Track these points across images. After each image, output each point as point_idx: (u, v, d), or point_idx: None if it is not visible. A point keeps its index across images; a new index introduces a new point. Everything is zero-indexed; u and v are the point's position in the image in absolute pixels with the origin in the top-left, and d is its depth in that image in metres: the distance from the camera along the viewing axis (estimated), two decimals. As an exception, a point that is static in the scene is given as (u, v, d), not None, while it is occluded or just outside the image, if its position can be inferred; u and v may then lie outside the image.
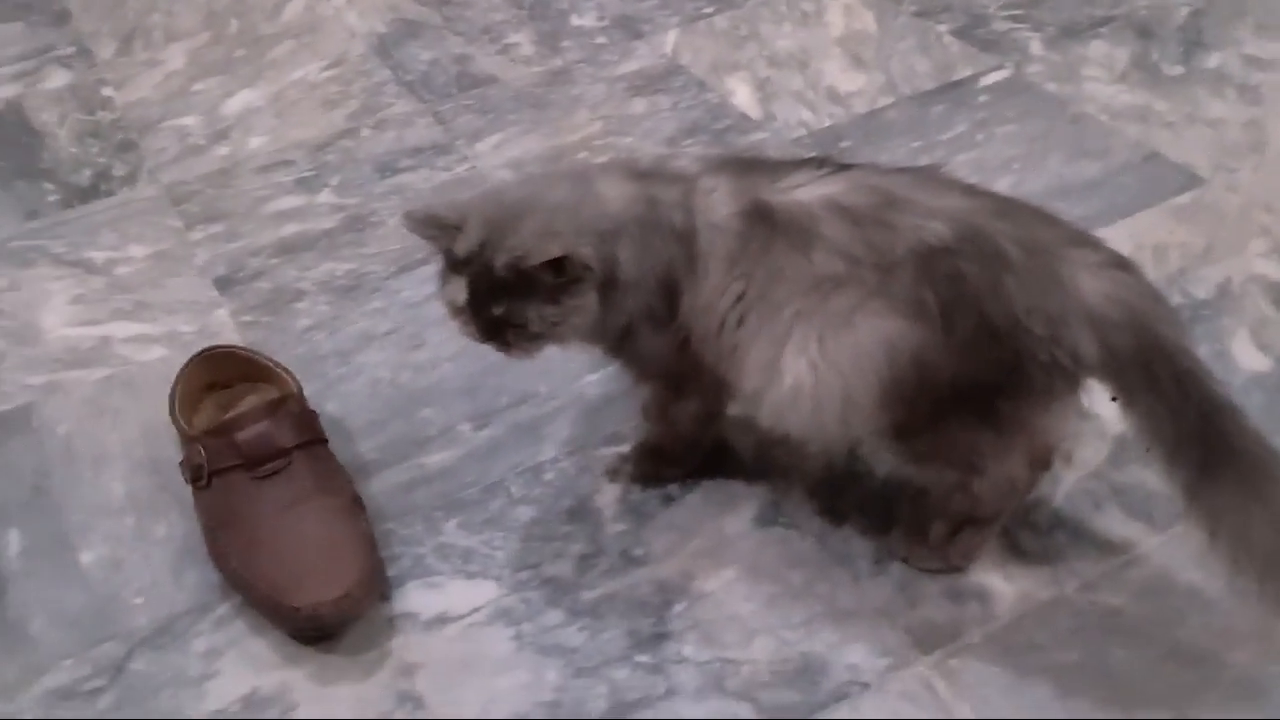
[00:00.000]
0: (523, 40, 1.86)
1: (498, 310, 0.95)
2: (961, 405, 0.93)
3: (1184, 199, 1.45)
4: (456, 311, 0.98)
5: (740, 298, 0.95)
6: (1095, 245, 0.93)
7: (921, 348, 0.89)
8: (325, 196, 1.53)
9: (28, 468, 1.20)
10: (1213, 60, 1.69)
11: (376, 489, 1.15)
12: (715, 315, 0.97)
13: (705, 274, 0.96)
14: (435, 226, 0.97)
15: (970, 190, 0.97)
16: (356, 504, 1.08)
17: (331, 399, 1.24)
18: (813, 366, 0.92)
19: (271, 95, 1.74)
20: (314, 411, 1.13)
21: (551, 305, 0.94)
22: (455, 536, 1.11)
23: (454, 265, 0.96)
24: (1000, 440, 0.97)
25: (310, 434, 1.09)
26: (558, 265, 0.92)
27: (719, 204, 0.96)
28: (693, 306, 0.97)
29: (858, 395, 0.92)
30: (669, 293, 0.97)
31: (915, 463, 1.01)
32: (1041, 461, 1.06)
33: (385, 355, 1.30)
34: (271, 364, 1.17)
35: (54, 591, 1.08)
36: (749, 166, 1.00)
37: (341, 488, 1.08)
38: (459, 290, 0.96)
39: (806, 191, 0.94)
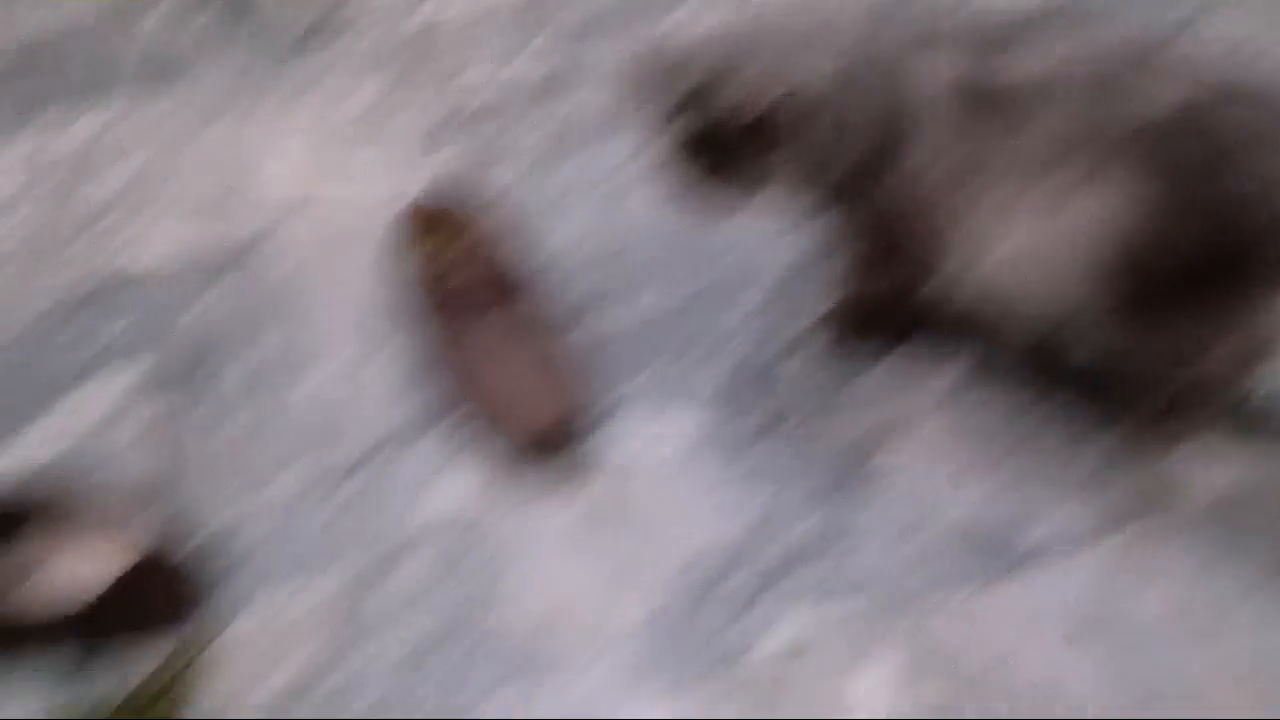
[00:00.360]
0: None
1: (716, 150, 0.97)
2: (1188, 287, 0.90)
3: None
4: (688, 145, 0.99)
5: (964, 163, 0.94)
6: None
7: (1150, 222, 0.87)
8: (524, 60, 1.54)
9: (258, 295, 1.27)
10: None
11: (580, 334, 1.18)
12: (938, 179, 0.95)
13: (922, 137, 0.95)
14: (670, 69, 0.98)
15: (1198, 65, 0.91)
16: (562, 344, 1.13)
17: (539, 248, 1.26)
18: (1033, 234, 0.91)
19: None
20: (510, 267, 1.16)
21: (777, 149, 0.96)
22: (657, 379, 1.15)
23: (682, 101, 0.97)
24: (1223, 325, 0.94)
25: (514, 281, 1.14)
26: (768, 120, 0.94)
27: (932, 81, 0.94)
28: (915, 165, 0.96)
29: (1081, 265, 0.91)
30: (885, 148, 0.97)
31: (1131, 343, 0.99)
32: (1257, 357, 1.01)
33: (593, 207, 1.32)
34: (476, 214, 1.20)
35: (287, 407, 1.16)
36: (972, 33, 0.97)
37: (547, 331, 1.13)
38: (685, 126, 0.97)
39: (1037, 57, 0.91)
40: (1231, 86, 0.88)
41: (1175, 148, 0.86)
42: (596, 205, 1.33)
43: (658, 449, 1.10)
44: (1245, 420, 1.05)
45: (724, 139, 0.96)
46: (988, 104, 0.91)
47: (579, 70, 1.51)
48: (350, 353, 1.20)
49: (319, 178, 1.40)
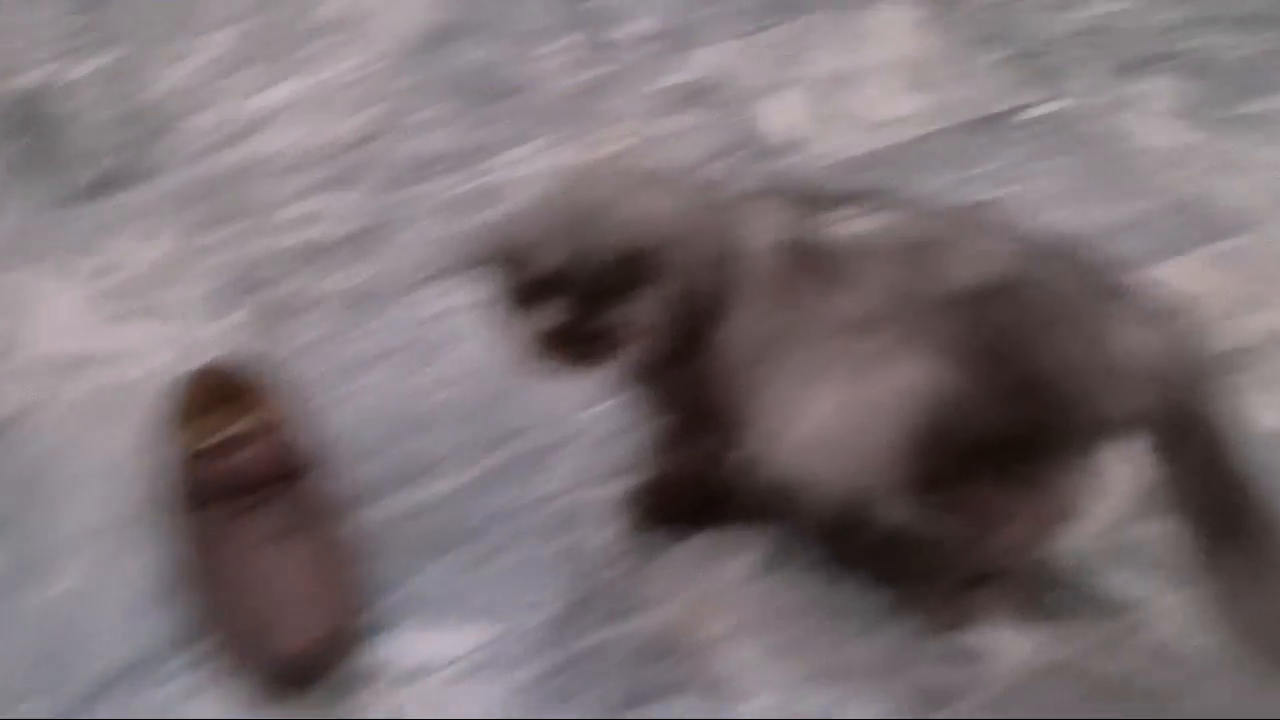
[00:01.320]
0: (566, 46, 1.81)
1: (588, 318, 0.89)
2: (991, 459, 0.89)
3: (1231, 244, 1.39)
4: (547, 338, 0.91)
5: (773, 333, 0.90)
6: (1142, 296, 0.89)
7: (958, 396, 0.85)
8: (345, 202, 1.50)
9: (6, 481, 1.17)
10: (1273, 104, 1.62)
11: (367, 521, 1.12)
12: (745, 350, 0.92)
13: (741, 305, 0.91)
14: (507, 257, 0.91)
15: (1015, 233, 0.92)
16: (342, 541, 1.05)
17: (329, 420, 1.20)
18: (839, 409, 0.88)
19: (301, 93, 1.71)
20: (304, 439, 1.10)
21: (635, 299, 0.89)
22: (444, 576, 1.08)
23: (527, 282, 0.90)
24: (1025, 497, 0.93)
25: (298, 464, 1.06)
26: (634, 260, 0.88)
27: (761, 233, 0.91)
28: (724, 339, 0.92)
29: (884, 442, 0.88)
30: (705, 320, 0.93)
31: (934, 515, 0.97)
32: (1060, 519, 1.00)
33: (391, 375, 1.27)
34: (262, 386, 1.13)
35: (20, 623, 1.06)
36: (793, 196, 0.95)
37: (327, 523, 1.05)
38: (555, 312, 0.89)
39: (850, 227, 0.90)
40: (1035, 263, 0.87)
41: (979, 322, 0.85)
42: (398, 370, 1.28)
43: (438, 665, 1.03)
44: (1044, 590, 1.03)
45: (608, 297, 0.90)
46: (808, 262, 0.89)
47: (391, 223, 1.47)
48: (95, 556, 1.10)
49: (96, 338, 1.32)
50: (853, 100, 1.67)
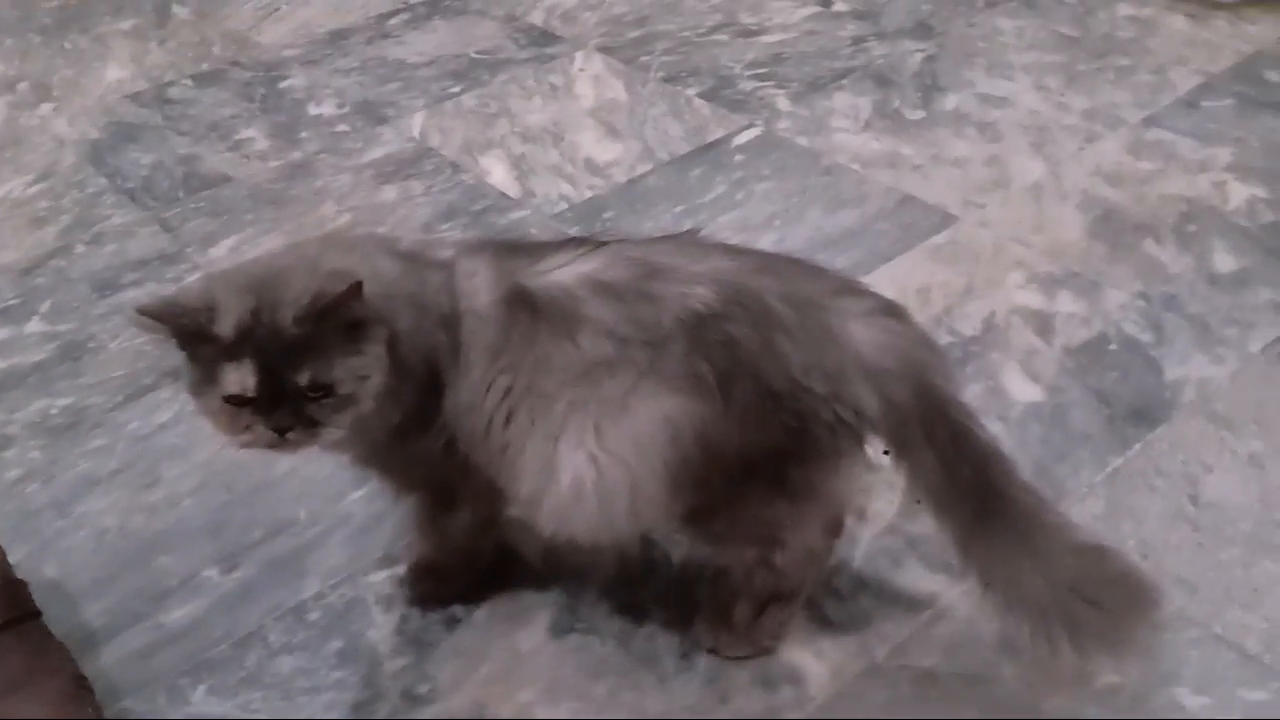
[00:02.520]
0: (256, 134, 1.74)
1: (301, 378, 0.79)
2: (753, 477, 0.87)
3: (940, 239, 1.46)
4: (233, 410, 0.80)
5: (507, 392, 0.86)
6: (862, 293, 0.90)
7: (704, 423, 0.83)
8: (35, 325, 1.36)
9: None
10: (950, 102, 1.74)
11: (107, 660, 0.99)
12: (482, 413, 0.87)
13: (468, 367, 0.86)
14: (181, 315, 0.80)
15: (731, 250, 0.92)
16: (80, 685, 0.92)
17: (48, 559, 1.08)
18: (592, 460, 0.84)
19: (-32, 218, 1.56)
20: (21, 581, 0.97)
21: (355, 354, 0.82)
22: (206, 705, 0.96)
23: (225, 350, 0.79)
24: (796, 508, 0.92)
25: (17, 610, 0.93)
26: (348, 308, 0.80)
27: (480, 290, 0.87)
28: (456, 404, 0.87)
29: (645, 484, 0.84)
30: (433, 385, 0.87)
31: (713, 543, 0.95)
32: (836, 525, 1.01)
33: (112, 500, 1.15)
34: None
35: None
36: (507, 250, 0.92)
37: (60, 668, 0.92)
38: (244, 374, 0.79)
39: (566, 272, 0.86)
40: (749, 279, 0.86)
41: (706, 347, 0.83)
42: (121, 493, 1.15)
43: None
44: (841, 599, 1.03)
45: (302, 356, 0.80)
46: (532, 312, 0.85)
47: (91, 340, 1.34)
48: None
49: None
50: (566, 149, 1.67)
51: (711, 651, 0.99)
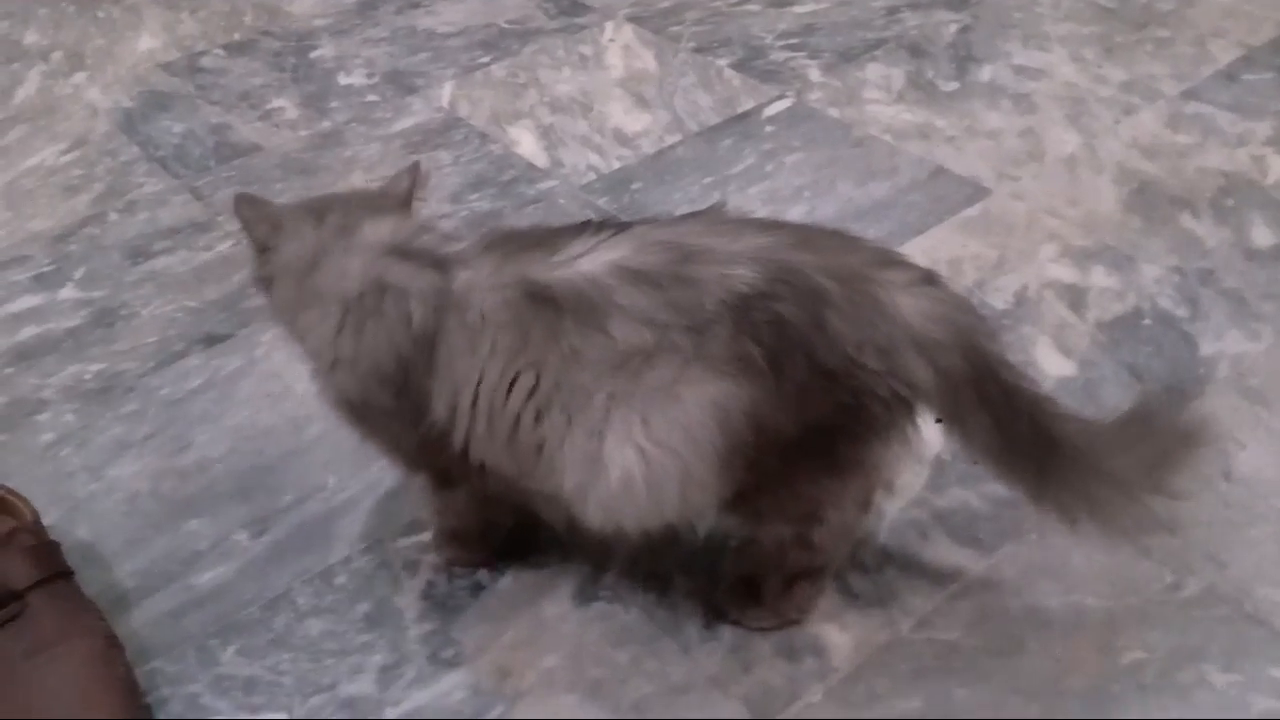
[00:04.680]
0: (286, 104, 1.74)
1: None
2: (804, 456, 0.86)
3: (973, 211, 1.44)
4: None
5: (533, 391, 0.85)
6: (902, 263, 0.88)
7: (755, 405, 0.81)
8: (68, 292, 1.37)
9: None
10: (985, 73, 1.71)
11: (139, 621, 1.01)
12: (504, 415, 0.86)
13: (471, 370, 0.85)
14: (258, 223, 0.92)
15: (764, 225, 0.89)
16: (111, 645, 0.93)
17: (81, 522, 1.09)
18: (641, 452, 0.83)
19: (4, 186, 1.57)
20: (54, 542, 0.99)
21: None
22: (235, 665, 0.98)
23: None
24: (842, 485, 0.91)
25: (50, 569, 0.95)
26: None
27: (485, 294, 0.85)
28: (454, 405, 0.86)
29: (696, 471, 0.83)
30: (403, 387, 0.87)
31: (753, 521, 0.94)
32: (869, 499, 1.00)
33: (144, 464, 1.16)
34: (1, 491, 1.02)
35: None
36: (518, 243, 0.89)
37: (91, 628, 0.93)
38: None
39: (589, 261, 0.84)
40: (790, 254, 0.84)
41: (751, 328, 0.81)
42: (153, 456, 1.16)
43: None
44: (866, 571, 1.03)
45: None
46: (553, 307, 0.83)
47: (123, 307, 1.35)
48: None
49: None
50: (595, 120, 1.67)
51: (736, 622, 0.99)
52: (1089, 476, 0.87)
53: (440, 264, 0.88)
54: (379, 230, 0.90)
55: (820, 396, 0.82)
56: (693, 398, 0.81)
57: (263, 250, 0.92)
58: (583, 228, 0.88)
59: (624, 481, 0.83)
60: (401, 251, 0.89)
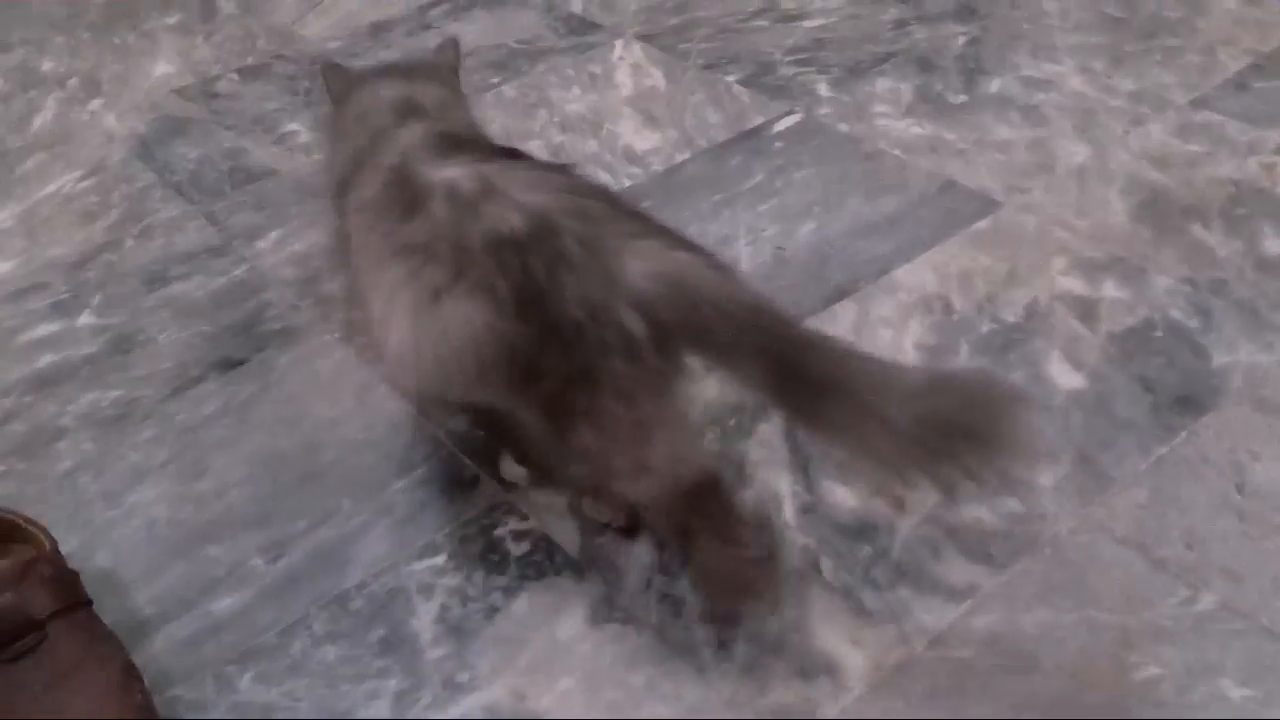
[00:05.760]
0: (300, 128, 1.76)
1: None
2: (566, 402, 0.92)
3: (983, 225, 1.44)
4: None
5: (369, 239, 1.00)
6: (667, 235, 0.93)
7: (501, 335, 0.91)
8: (86, 318, 1.39)
9: None
10: (994, 86, 1.72)
11: (157, 648, 1.02)
12: (353, 242, 1.03)
13: (358, 209, 1.02)
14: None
15: (570, 188, 0.95)
16: (130, 674, 0.94)
17: (100, 549, 1.10)
18: (414, 329, 0.94)
19: (22, 213, 1.59)
20: (74, 571, 0.99)
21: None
22: (253, 692, 0.98)
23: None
24: (605, 439, 0.94)
25: (69, 599, 0.96)
26: None
27: (392, 149, 1.02)
28: (348, 231, 1.04)
29: (452, 370, 0.94)
30: (344, 181, 1.07)
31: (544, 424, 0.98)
32: (651, 463, 0.97)
33: (161, 490, 1.17)
34: (19, 520, 1.03)
35: None
36: (456, 140, 1.04)
37: (110, 657, 0.94)
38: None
39: (451, 169, 0.96)
40: (568, 210, 0.91)
41: (509, 267, 0.90)
42: (170, 483, 1.18)
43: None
44: (880, 588, 1.03)
45: None
46: (404, 189, 0.97)
47: (140, 332, 1.37)
48: None
49: None
50: (605, 138, 1.67)
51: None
52: (866, 419, 0.86)
53: (408, 123, 1.06)
54: (404, 91, 1.12)
55: (555, 343, 0.90)
56: (450, 307, 0.92)
57: (338, 102, 1.16)
58: (501, 150, 1.04)
59: (398, 352, 0.96)
60: (407, 110, 1.09)
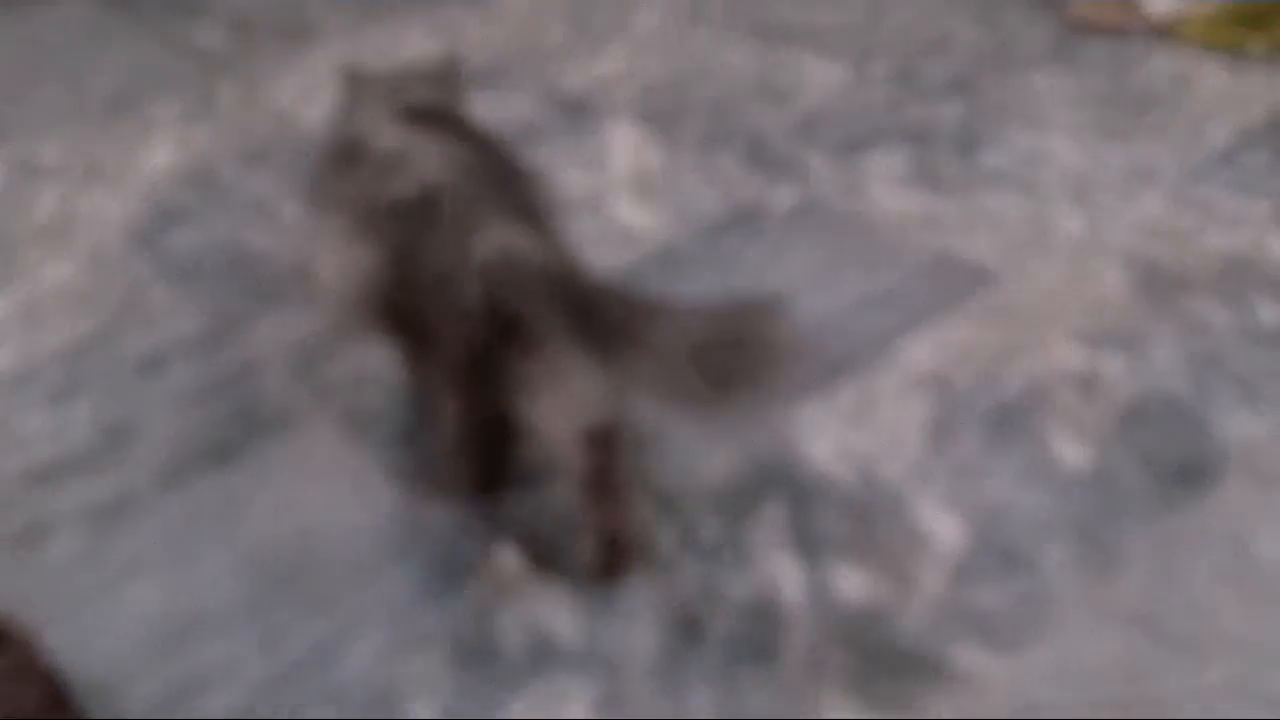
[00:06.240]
0: (297, 211, 1.77)
1: None
2: (416, 335, 1.10)
3: (981, 299, 1.44)
4: None
5: (331, 192, 1.16)
6: (522, 215, 1.07)
7: (383, 280, 1.09)
8: (82, 408, 1.38)
9: None
10: (988, 160, 1.73)
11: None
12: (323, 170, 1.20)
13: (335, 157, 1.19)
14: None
15: (468, 166, 1.09)
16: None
17: (92, 646, 1.08)
18: (334, 266, 1.13)
19: (21, 302, 1.59)
20: (62, 672, 0.98)
21: None
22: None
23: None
24: (459, 393, 1.10)
25: (57, 702, 0.94)
26: None
27: (369, 119, 1.19)
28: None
29: (354, 298, 1.12)
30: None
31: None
32: (503, 428, 1.16)
33: (155, 583, 1.15)
34: (7, 622, 1.01)
35: None
36: (417, 115, 1.18)
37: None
38: None
39: (390, 135, 1.13)
40: (464, 177, 1.08)
41: (396, 225, 1.07)
42: (161, 578, 1.16)
43: None
44: (892, 672, 1.01)
45: None
46: (355, 149, 1.15)
47: (133, 422, 1.36)
48: None
49: None
50: (604, 219, 1.68)
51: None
52: (649, 357, 0.99)
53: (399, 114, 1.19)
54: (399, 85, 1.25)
55: (418, 300, 1.06)
56: (358, 250, 1.10)
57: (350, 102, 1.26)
58: (457, 123, 1.18)
59: (325, 278, 1.15)
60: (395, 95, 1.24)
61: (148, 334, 1.51)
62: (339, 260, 1.13)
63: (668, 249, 1.61)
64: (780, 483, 1.20)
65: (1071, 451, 1.21)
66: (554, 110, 2.00)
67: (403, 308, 1.08)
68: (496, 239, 1.04)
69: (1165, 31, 2.06)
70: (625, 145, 1.87)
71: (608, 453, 1.07)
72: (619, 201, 1.72)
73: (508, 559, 1.13)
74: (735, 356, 0.98)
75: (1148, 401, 1.26)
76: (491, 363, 1.06)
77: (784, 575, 1.10)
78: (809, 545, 1.13)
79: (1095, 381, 1.30)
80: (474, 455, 1.17)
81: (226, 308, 1.55)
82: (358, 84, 1.26)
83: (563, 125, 1.95)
